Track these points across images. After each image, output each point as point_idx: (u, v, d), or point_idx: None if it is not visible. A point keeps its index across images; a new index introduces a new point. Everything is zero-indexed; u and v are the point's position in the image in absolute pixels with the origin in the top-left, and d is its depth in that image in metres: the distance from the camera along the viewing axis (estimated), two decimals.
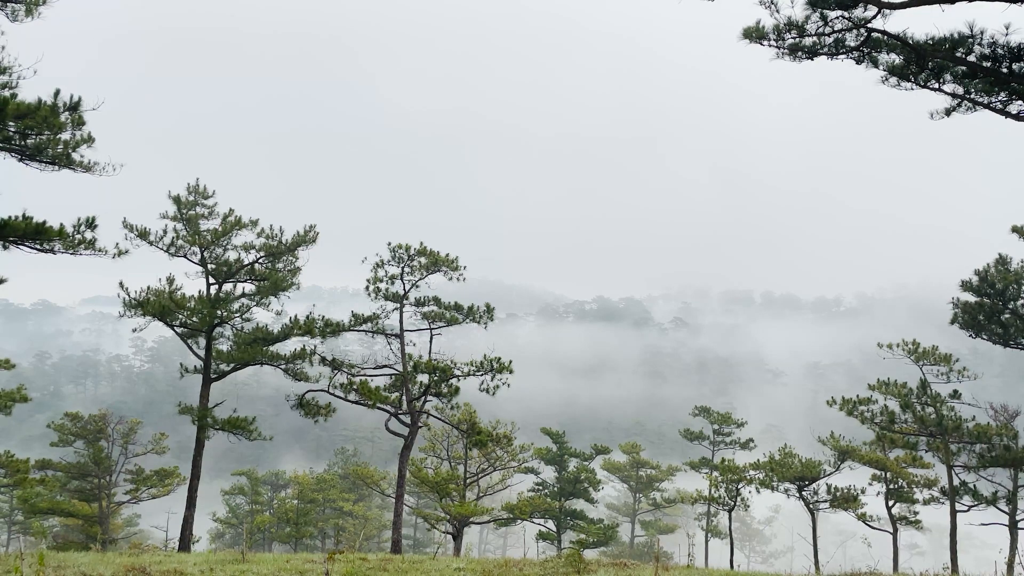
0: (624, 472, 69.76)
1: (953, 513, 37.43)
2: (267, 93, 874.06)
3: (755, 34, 15.44)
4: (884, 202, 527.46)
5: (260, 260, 36.31)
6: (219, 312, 35.48)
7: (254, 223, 36.11)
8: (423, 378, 37.15)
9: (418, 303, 37.37)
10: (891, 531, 41.93)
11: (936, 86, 15.75)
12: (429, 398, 37.27)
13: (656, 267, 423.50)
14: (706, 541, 60.40)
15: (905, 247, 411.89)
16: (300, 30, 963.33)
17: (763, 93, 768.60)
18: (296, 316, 36.30)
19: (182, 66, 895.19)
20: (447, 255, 36.68)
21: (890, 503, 42.10)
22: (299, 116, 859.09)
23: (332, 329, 36.41)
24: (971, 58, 15.03)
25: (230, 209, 36.08)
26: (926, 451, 40.13)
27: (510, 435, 46.72)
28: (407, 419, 37.13)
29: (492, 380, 36.84)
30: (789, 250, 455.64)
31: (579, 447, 58.97)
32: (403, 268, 36.97)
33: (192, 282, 35.96)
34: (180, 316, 34.77)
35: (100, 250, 24.69)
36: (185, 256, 35.61)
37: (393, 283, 37.10)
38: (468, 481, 49.24)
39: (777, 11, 15.10)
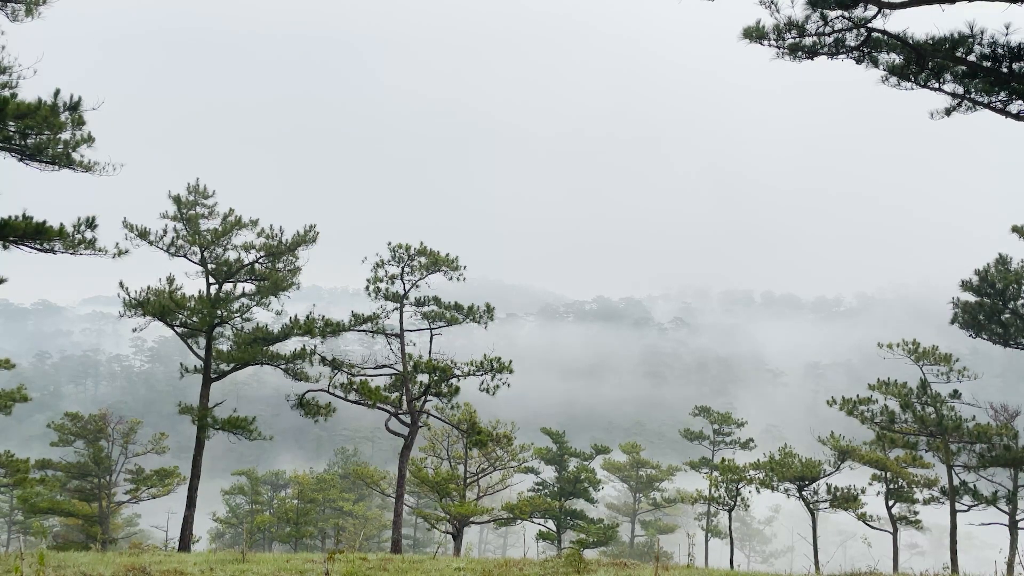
0: (624, 472, 69.80)
1: (953, 513, 37.45)
2: (268, 93, 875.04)
3: (755, 34, 15.44)
4: (885, 201, 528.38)
5: (260, 260, 36.33)
6: (219, 312, 35.50)
7: (254, 223, 36.13)
8: (423, 378, 37.16)
9: (418, 303, 37.37)
10: (891, 531, 41.96)
11: (936, 86, 15.74)
12: (429, 398, 37.28)
13: (656, 267, 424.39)
14: (706, 541, 60.44)
15: (905, 246, 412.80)
16: (301, 31, 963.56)
17: (763, 93, 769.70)
18: (296, 316, 36.31)
19: (182, 66, 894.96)
20: (447, 255, 36.69)
21: (890, 503, 42.13)
22: (299, 116, 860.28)
23: (332, 329, 36.42)
24: (971, 58, 15.03)
25: (230, 209, 36.11)
26: (926, 451, 40.16)
27: (510, 435, 46.72)
28: (407, 419, 37.15)
29: (492, 380, 36.86)
30: (789, 250, 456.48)
31: (579, 447, 58.98)
32: (403, 268, 36.98)
33: (192, 282, 35.99)
34: (180, 316, 34.79)
35: (100, 250, 24.70)
36: (185, 256, 35.62)
37: (393, 283, 37.13)
38: (468, 481, 49.26)
39: (777, 11, 15.10)
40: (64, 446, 51.63)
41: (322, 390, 36.67)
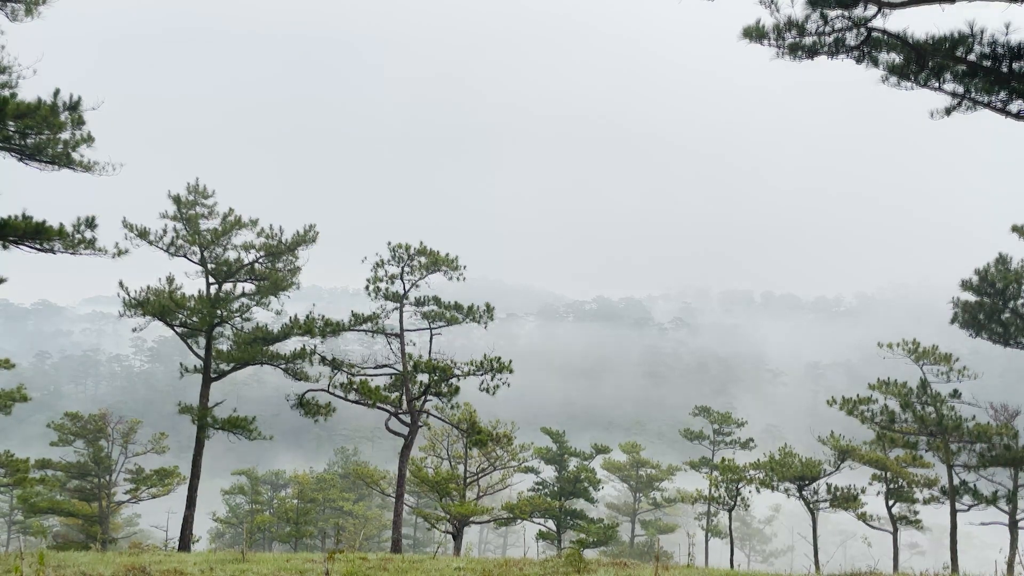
0: (624, 472, 69.77)
1: (953, 513, 37.41)
2: (268, 93, 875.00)
3: (755, 33, 15.43)
4: (884, 201, 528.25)
5: (260, 260, 36.33)
6: (219, 312, 35.49)
7: (254, 223, 36.12)
8: (423, 378, 37.17)
9: (418, 303, 37.37)
10: (891, 531, 41.93)
11: (936, 85, 15.72)
12: (429, 397, 37.29)
13: (656, 267, 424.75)
14: (706, 540, 60.42)
15: (905, 246, 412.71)
16: (301, 31, 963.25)
17: (763, 93, 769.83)
18: (296, 316, 36.31)
19: (182, 66, 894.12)
20: (447, 254, 36.68)
21: (890, 503, 42.10)
22: (300, 116, 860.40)
23: (332, 329, 36.42)
24: (971, 57, 15.01)
25: (230, 209, 36.10)
26: (926, 451, 40.11)
27: (510, 434, 46.70)
28: (407, 418, 37.15)
29: (492, 379, 36.85)
30: (789, 250, 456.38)
31: (579, 447, 58.94)
32: (403, 268, 36.98)
33: (192, 281, 36.00)
34: (180, 316, 34.80)
35: (100, 249, 24.69)
36: (185, 256, 35.62)
37: (393, 283, 37.12)
38: (468, 480, 49.25)
39: (777, 10, 15.09)
40: (64, 446, 51.60)
41: (322, 390, 36.67)
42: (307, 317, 36.22)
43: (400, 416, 37.28)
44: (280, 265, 36.48)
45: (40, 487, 48.84)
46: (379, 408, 36.89)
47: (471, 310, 37.14)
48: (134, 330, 36.72)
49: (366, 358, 38.89)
